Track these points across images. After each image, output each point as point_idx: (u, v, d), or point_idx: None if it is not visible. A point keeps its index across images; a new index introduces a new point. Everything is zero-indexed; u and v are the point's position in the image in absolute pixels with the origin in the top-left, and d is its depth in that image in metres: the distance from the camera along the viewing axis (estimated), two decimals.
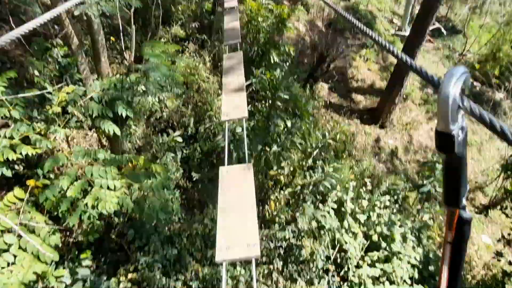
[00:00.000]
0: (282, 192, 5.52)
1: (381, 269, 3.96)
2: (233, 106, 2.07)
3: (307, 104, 3.92)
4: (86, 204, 2.50)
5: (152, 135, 4.95)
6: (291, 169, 5.14)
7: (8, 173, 2.56)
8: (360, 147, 8.27)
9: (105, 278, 3.42)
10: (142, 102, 3.28)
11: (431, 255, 4.62)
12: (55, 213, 2.54)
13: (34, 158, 4.17)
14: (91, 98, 2.98)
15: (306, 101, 3.95)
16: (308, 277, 4.71)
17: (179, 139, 4.61)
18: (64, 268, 3.08)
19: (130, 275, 3.61)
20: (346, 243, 4.15)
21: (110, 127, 2.89)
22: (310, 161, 4.80)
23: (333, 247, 4.71)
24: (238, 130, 4.28)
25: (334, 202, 4.62)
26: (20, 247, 2.51)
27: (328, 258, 4.82)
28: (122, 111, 2.95)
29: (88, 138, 4.59)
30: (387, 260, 4.33)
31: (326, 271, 4.83)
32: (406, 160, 8.86)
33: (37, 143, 2.46)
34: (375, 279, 3.96)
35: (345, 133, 4.90)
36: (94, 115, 2.89)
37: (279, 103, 4.14)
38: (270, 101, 4.32)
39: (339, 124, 4.70)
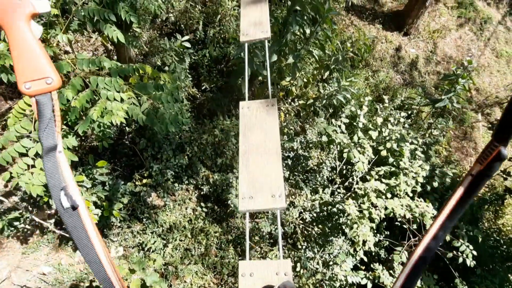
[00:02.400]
0: (293, 103, 5.42)
1: (386, 184, 4.08)
2: (253, 22, 1.74)
3: (330, 10, 3.50)
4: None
5: (159, 39, 4.65)
6: (305, 80, 4.94)
7: (10, 78, 2.48)
8: (379, 56, 7.80)
9: (122, 182, 3.61)
10: (146, 4, 2.96)
11: (437, 171, 4.71)
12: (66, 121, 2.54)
13: None
14: None
15: (330, 6, 3.52)
16: (313, 185, 4.93)
17: (187, 44, 4.33)
18: (83, 173, 3.24)
19: (144, 180, 3.81)
20: (354, 157, 4.20)
21: (114, 33, 2.67)
22: (326, 73, 4.56)
23: (340, 159, 4.81)
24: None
25: (346, 117, 4.54)
26: (37, 153, 2.58)
27: (333, 168, 4.97)
28: (125, 15, 2.68)
29: (92, 42, 4.35)
30: (392, 174, 4.44)
31: (331, 181, 5.04)
32: (426, 71, 8.44)
33: None
34: (379, 192, 4.11)
35: (367, 43, 4.53)
36: (95, 18, 2.65)
37: (298, 8, 3.73)
38: (289, 3, 3.90)
39: (364, 34, 4.31)
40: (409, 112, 5.97)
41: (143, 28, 3.95)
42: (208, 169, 4.47)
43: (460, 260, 3.63)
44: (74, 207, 0.79)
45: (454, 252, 3.72)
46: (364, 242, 3.81)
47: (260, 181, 1.22)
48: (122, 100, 2.48)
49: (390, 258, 4.47)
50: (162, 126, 2.75)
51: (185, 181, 4.28)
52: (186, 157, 4.18)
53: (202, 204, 4.35)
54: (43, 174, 2.61)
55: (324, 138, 4.30)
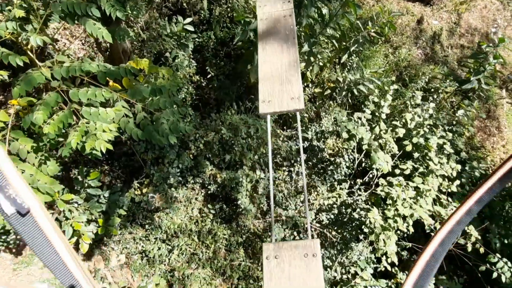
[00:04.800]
0: (307, 89, 4.92)
1: (414, 188, 3.68)
2: (277, 78, 1.13)
3: None
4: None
5: (158, 22, 4.12)
6: (321, 64, 4.41)
7: None
8: (400, 30, 7.13)
9: (119, 192, 3.25)
10: None
11: (466, 167, 4.28)
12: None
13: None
14: None
15: None
16: (330, 182, 4.56)
17: (190, 28, 3.82)
18: (74, 187, 2.88)
19: (145, 190, 3.45)
20: (378, 158, 3.78)
21: (99, 32, 2.20)
22: (345, 57, 4.03)
23: (359, 151, 4.38)
24: None
25: (368, 108, 4.07)
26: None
27: (350, 159, 4.55)
28: (110, 10, 2.19)
29: (84, 28, 3.83)
30: (417, 170, 4.03)
31: (349, 175, 4.64)
32: (449, 44, 7.76)
33: (4, 60, 1.85)
34: (402, 190, 3.72)
35: (391, 22, 3.93)
36: (77, 13, 2.18)
37: None
38: None
39: (388, 11, 3.75)
40: (435, 96, 5.43)
41: (138, 14, 3.41)
42: (215, 167, 4.10)
43: (495, 275, 3.29)
44: (21, 213, 0.65)
45: (488, 265, 3.37)
46: (386, 255, 3.48)
47: None
48: (107, 117, 2.05)
49: (412, 259, 4.17)
50: (162, 138, 2.35)
51: (190, 181, 3.93)
52: (191, 155, 3.79)
53: (210, 206, 4.02)
54: None
55: (345, 135, 3.87)
